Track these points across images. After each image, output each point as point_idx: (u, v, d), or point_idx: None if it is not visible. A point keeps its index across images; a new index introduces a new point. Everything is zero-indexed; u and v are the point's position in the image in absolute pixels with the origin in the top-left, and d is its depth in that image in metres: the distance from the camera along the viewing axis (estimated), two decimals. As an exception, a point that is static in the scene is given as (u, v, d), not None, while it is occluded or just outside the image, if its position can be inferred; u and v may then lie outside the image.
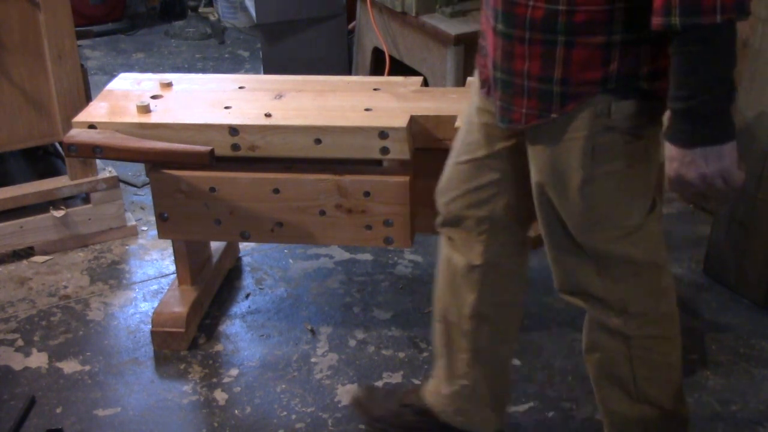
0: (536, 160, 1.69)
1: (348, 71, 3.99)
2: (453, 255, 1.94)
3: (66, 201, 3.09)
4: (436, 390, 2.11)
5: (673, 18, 1.38)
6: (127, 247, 3.09)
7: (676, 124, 1.45)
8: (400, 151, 2.29)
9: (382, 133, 2.27)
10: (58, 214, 3.03)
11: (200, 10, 5.48)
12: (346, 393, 2.38)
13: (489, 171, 1.83)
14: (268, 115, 2.38)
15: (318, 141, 2.31)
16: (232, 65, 4.83)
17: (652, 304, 1.80)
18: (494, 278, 1.94)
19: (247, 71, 4.67)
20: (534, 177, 1.72)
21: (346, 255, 2.99)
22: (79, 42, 3.07)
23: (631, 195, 1.68)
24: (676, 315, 1.86)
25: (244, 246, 3.03)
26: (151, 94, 2.53)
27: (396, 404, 2.20)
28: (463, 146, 1.87)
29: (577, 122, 1.59)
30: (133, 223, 3.18)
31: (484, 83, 1.74)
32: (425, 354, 2.51)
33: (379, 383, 2.41)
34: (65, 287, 2.89)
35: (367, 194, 2.36)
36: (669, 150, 1.48)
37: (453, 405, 2.08)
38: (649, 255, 1.76)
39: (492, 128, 1.78)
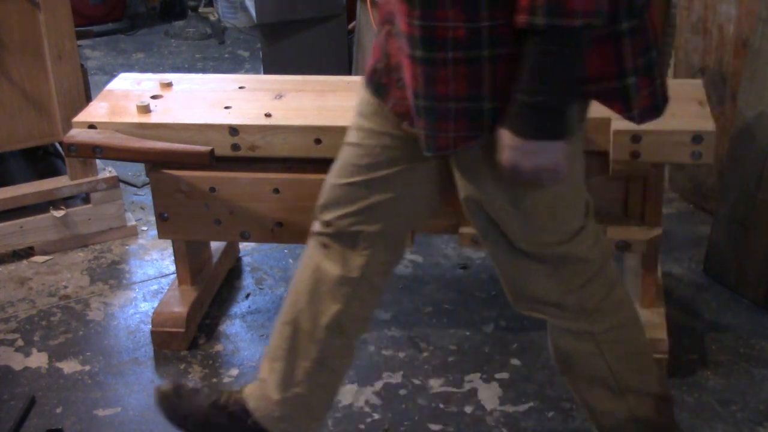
0: (469, 176, 1.68)
1: (348, 71, 3.98)
2: (324, 263, 1.89)
3: (66, 201, 3.09)
4: (262, 394, 2.00)
5: (537, 18, 1.42)
6: (127, 247, 3.09)
7: (521, 115, 1.49)
8: (400, 151, 2.28)
9: (382, 133, 2.27)
10: (58, 214, 3.03)
11: (200, 10, 5.48)
12: (346, 393, 2.38)
13: (385, 191, 1.80)
14: (268, 115, 2.38)
15: (318, 141, 2.31)
16: (232, 65, 4.83)
17: (606, 296, 1.81)
18: (364, 294, 1.91)
19: (247, 71, 4.67)
20: (467, 193, 1.71)
21: (346, 255, 2.99)
22: (79, 42, 3.07)
23: (570, 197, 1.71)
24: (628, 300, 1.88)
25: (244, 246, 3.02)
26: (151, 94, 2.53)
27: (206, 404, 2.05)
28: (353, 166, 1.82)
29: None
30: (133, 223, 3.18)
31: (405, 115, 1.68)
32: (425, 354, 2.51)
33: (379, 383, 2.41)
34: (65, 287, 2.89)
35: (367, 194, 2.36)
36: (509, 139, 1.52)
37: (280, 411, 1.98)
38: (594, 251, 1.78)
39: (392, 150, 1.76)
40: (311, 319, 1.92)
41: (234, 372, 2.48)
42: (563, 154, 1.53)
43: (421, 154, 1.66)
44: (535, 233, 1.72)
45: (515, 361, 2.47)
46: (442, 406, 2.33)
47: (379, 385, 2.41)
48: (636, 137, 2.19)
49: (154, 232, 2.84)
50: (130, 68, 4.69)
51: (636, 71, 1.58)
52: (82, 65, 3.00)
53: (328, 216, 1.87)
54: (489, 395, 2.35)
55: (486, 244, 1.80)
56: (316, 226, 1.90)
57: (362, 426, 2.28)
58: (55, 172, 3.15)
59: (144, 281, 2.91)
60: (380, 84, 1.72)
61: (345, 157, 1.85)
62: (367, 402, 2.36)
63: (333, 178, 1.87)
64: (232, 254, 2.95)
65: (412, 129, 1.66)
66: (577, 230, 1.75)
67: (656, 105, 1.67)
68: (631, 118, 1.64)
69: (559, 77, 1.47)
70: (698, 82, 2.50)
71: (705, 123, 2.22)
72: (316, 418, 2.06)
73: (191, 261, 2.64)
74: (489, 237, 1.77)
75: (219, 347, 2.58)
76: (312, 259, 1.92)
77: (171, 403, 2.08)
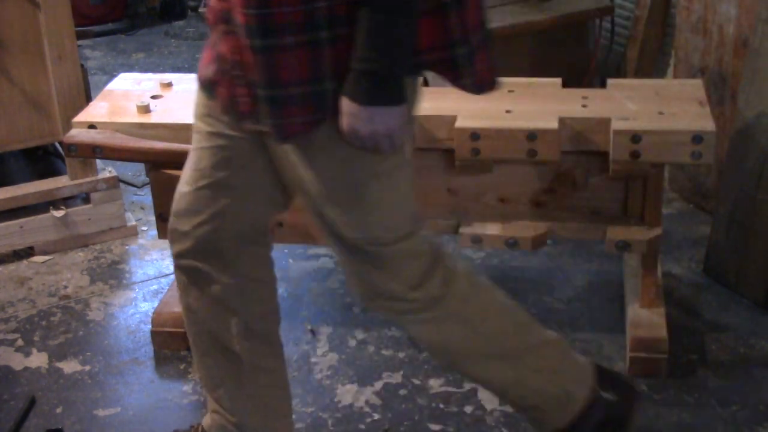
0: (307, 168, 1.66)
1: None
2: (200, 287, 1.88)
3: (66, 201, 3.09)
4: (221, 423, 2.01)
5: None
6: (127, 247, 3.09)
7: (358, 83, 1.52)
8: (400, 151, 2.28)
9: (382, 133, 2.27)
10: (58, 214, 3.03)
11: (200, 10, 5.48)
12: (346, 393, 2.38)
13: (230, 191, 1.80)
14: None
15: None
16: (232, 65, 4.82)
17: (443, 278, 1.81)
18: (254, 293, 1.92)
19: (247, 71, 4.67)
20: (305, 184, 1.69)
21: (346, 255, 2.99)
22: (79, 42, 3.07)
23: (404, 194, 1.74)
24: (460, 271, 1.86)
25: (244, 246, 3.02)
26: (151, 94, 2.53)
27: None
28: (197, 172, 1.81)
29: None
30: (133, 223, 3.18)
31: (247, 114, 1.66)
32: (425, 354, 2.51)
33: (379, 383, 2.41)
34: (65, 287, 2.89)
35: (367, 194, 2.36)
36: (347, 106, 1.54)
37: (245, 428, 2.01)
38: (425, 246, 1.80)
39: (228, 149, 1.76)
40: (221, 339, 1.92)
41: (234, 372, 2.48)
42: (399, 120, 1.57)
43: (256, 149, 1.70)
44: (372, 232, 1.72)
45: (515, 361, 2.47)
46: (442, 406, 2.33)
47: (379, 385, 2.42)
48: (636, 137, 2.19)
49: (154, 232, 2.84)
50: (130, 68, 4.69)
51: (466, 42, 1.61)
52: (82, 65, 3.00)
53: (185, 226, 1.84)
54: (489, 395, 2.35)
55: (332, 245, 1.78)
56: (182, 248, 1.86)
57: (362, 426, 2.28)
58: (55, 172, 3.15)
59: (144, 281, 2.91)
60: (212, 85, 1.72)
61: (189, 162, 1.84)
62: (367, 402, 2.36)
63: (182, 185, 1.85)
64: (232, 254, 2.94)
65: (257, 126, 1.65)
66: (409, 232, 1.76)
67: (494, 78, 1.71)
68: (463, 87, 1.67)
69: (390, 44, 1.50)
70: (698, 82, 2.50)
71: (705, 123, 2.22)
72: (283, 416, 2.06)
73: (191, 261, 2.63)
74: (335, 239, 1.75)
75: (219, 347, 2.58)
76: (189, 291, 1.90)
77: None
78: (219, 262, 1.86)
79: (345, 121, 1.56)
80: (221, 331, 1.92)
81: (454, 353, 1.90)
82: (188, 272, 1.89)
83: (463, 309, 1.85)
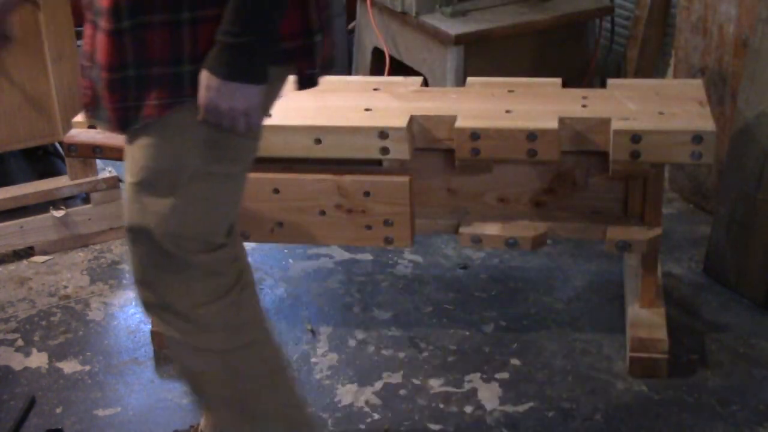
0: (144, 149, 1.63)
1: (348, 71, 3.99)
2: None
3: (66, 201, 3.09)
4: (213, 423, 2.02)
5: None
6: (127, 247, 3.09)
7: (222, 56, 1.52)
8: (400, 151, 2.29)
9: (382, 133, 2.27)
10: (58, 214, 3.03)
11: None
12: (346, 393, 2.38)
13: None
14: (268, 115, 2.37)
15: (318, 141, 2.31)
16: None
17: (235, 315, 1.77)
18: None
19: (247, 71, 4.67)
20: (135, 168, 1.65)
21: (346, 255, 2.99)
22: (79, 42, 3.06)
23: (226, 202, 1.70)
24: (258, 320, 1.83)
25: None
26: (151, 94, 2.52)
27: None
28: None
29: (189, 114, 1.59)
30: (133, 223, 3.17)
31: (89, 106, 1.67)
32: (425, 354, 2.51)
33: (379, 383, 2.41)
34: (65, 287, 2.89)
35: (367, 194, 2.36)
36: (208, 79, 1.53)
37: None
38: (230, 269, 1.75)
39: None
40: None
41: (234, 372, 2.48)
42: (258, 99, 1.57)
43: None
44: (183, 230, 1.67)
45: (515, 361, 2.47)
46: (442, 406, 2.33)
47: (379, 385, 2.42)
48: (636, 137, 2.19)
49: (154, 232, 2.83)
50: (130, 68, 4.68)
51: (321, 29, 1.64)
52: (82, 65, 3.00)
53: None
54: (489, 395, 2.35)
55: (130, 239, 1.72)
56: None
57: (362, 426, 2.28)
58: (55, 172, 3.15)
59: (144, 281, 2.91)
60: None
61: None
62: (367, 402, 2.36)
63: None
64: (232, 254, 2.94)
65: (97, 117, 1.65)
66: (219, 244, 1.72)
67: (332, 57, 1.73)
68: (312, 75, 1.69)
69: (256, 20, 1.50)
70: (698, 82, 2.50)
71: (705, 123, 2.22)
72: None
73: (191, 261, 2.63)
74: (136, 230, 1.70)
75: (219, 347, 2.58)
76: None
77: None
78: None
79: (203, 95, 1.55)
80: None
81: (207, 392, 1.86)
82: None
83: (234, 354, 1.79)
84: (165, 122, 1.59)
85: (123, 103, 1.58)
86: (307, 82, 1.70)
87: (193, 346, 1.79)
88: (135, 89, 1.57)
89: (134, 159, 1.65)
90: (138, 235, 1.69)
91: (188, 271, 1.71)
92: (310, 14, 1.62)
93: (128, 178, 1.67)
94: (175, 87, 1.57)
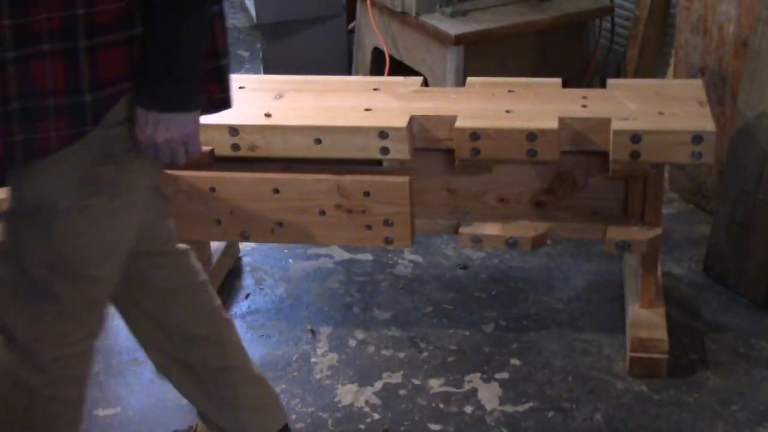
0: (24, 184, 1.59)
1: (348, 71, 3.99)
2: (134, 310, 1.93)
3: (66, 201, 3.08)
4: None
5: None
6: None
7: (154, 89, 1.53)
8: (400, 151, 2.29)
9: (382, 133, 2.27)
10: (58, 214, 3.03)
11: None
12: (346, 393, 2.38)
13: None
14: (268, 115, 2.38)
15: (318, 141, 2.31)
16: (232, 65, 4.80)
17: (71, 367, 1.75)
18: (171, 299, 1.93)
19: (247, 71, 4.67)
20: (13, 203, 1.62)
21: (346, 255, 2.99)
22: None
23: (111, 235, 1.64)
24: (85, 354, 1.77)
25: (244, 246, 3.02)
26: (151, 94, 2.52)
27: None
28: None
29: (109, 132, 1.55)
30: (133, 223, 3.17)
31: None
32: (425, 354, 2.51)
33: (379, 383, 2.41)
34: (65, 287, 2.88)
35: (367, 194, 2.36)
36: (142, 115, 1.54)
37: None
38: (93, 314, 1.71)
39: None
40: (168, 353, 1.98)
41: (234, 372, 2.48)
42: (195, 126, 1.60)
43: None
44: (55, 262, 1.61)
45: (515, 361, 2.47)
46: (442, 406, 2.33)
47: (379, 385, 2.42)
48: (636, 137, 2.19)
49: (154, 232, 2.83)
50: (130, 68, 4.68)
51: (227, 53, 1.65)
52: None
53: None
54: (489, 395, 2.35)
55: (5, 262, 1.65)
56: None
57: (362, 426, 2.28)
58: (55, 172, 3.14)
59: (144, 281, 2.91)
60: None
61: None
62: (367, 402, 2.36)
63: None
64: (232, 254, 2.95)
65: None
66: (94, 278, 1.65)
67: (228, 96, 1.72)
68: (224, 100, 1.68)
69: (186, 53, 1.52)
70: (698, 82, 2.50)
71: (705, 123, 2.22)
72: (264, 408, 2.06)
73: (191, 261, 2.64)
74: (4, 256, 1.65)
75: (219, 347, 2.58)
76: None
77: None
78: (125, 285, 1.81)
79: (140, 131, 1.55)
80: (164, 345, 1.95)
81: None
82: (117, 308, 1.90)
83: (53, 389, 1.74)
84: (52, 155, 1.53)
85: (7, 137, 1.50)
86: (218, 105, 1.69)
87: (16, 374, 1.70)
88: (20, 122, 1.50)
89: (14, 187, 1.61)
90: (6, 257, 1.64)
91: (45, 305, 1.64)
92: (217, 38, 1.62)
93: (8, 204, 1.63)
94: (75, 117, 1.51)
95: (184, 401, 2.36)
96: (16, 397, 1.72)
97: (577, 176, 2.37)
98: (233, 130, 2.34)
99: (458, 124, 2.27)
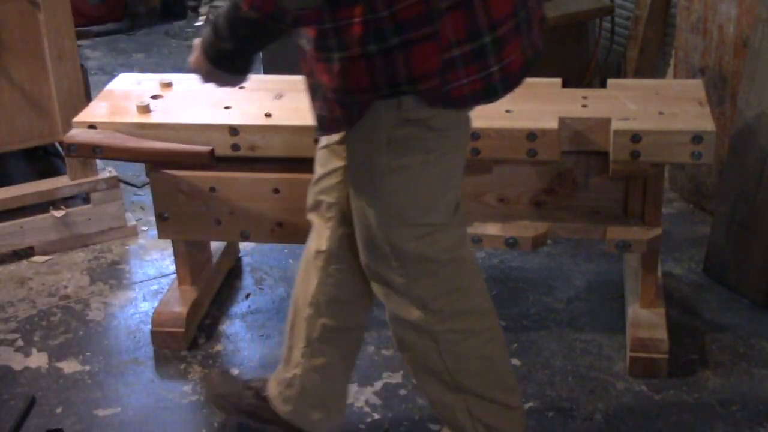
0: (346, 155, 1.81)
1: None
2: (310, 239, 2.00)
3: (66, 201, 3.09)
4: (276, 375, 2.12)
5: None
6: (127, 247, 3.09)
7: (211, 45, 1.70)
8: (400, 151, 2.29)
9: (382, 133, 2.27)
10: (58, 214, 3.03)
11: (200, 10, 5.48)
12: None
13: (337, 157, 1.91)
14: (268, 115, 2.38)
15: (318, 141, 2.31)
16: (232, 65, 4.82)
17: (454, 301, 1.85)
18: (335, 269, 1.98)
19: (247, 71, 4.67)
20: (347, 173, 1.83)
21: (346, 255, 2.99)
22: (79, 42, 3.07)
23: (430, 191, 1.76)
24: (486, 310, 1.92)
25: (244, 246, 3.02)
26: (151, 94, 2.53)
27: (241, 385, 2.19)
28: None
29: (373, 120, 1.68)
30: (133, 223, 3.18)
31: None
32: (425, 354, 2.51)
33: (379, 383, 2.41)
34: (65, 287, 2.89)
35: (367, 194, 2.36)
36: (198, 50, 1.73)
37: (284, 392, 2.09)
38: (450, 254, 1.82)
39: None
40: (302, 297, 2.01)
41: (234, 372, 2.47)
42: (227, 83, 1.75)
43: None
44: (390, 220, 1.77)
45: (515, 361, 2.47)
46: (442, 406, 2.33)
47: (379, 385, 2.41)
48: (636, 137, 2.19)
49: (154, 232, 2.83)
50: (130, 68, 4.68)
51: (493, 30, 1.68)
52: (82, 65, 3.00)
53: (311, 183, 2.00)
54: (489, 395, 2.35)
55: (355, 225, 1.85)
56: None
57: (362, 426, 2.28)
58: (55, 172, 3.15)
59: (144, 281, 2.91)
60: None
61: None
62: (367, 402, 2.36)
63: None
64: (232, 254, 2.95)
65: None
66: (436, 226, 1.79)
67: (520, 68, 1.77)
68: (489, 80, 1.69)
69: (231, 32, 1.65)
70: (698, 82, 2.50)
71: (705, 123, 2.22)
72: (315, 407, 2.09)
73: (191, 261, 2.64)
74: (357, 220, 1.83)
75: (219, 347, 2.58)
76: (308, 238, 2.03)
77: (212, 383, 2.24)
78: (319, 223, 1.98)
79: (192, 59, 1.74)
80: (302, 291, 2.02)
81: (415, 361, 1.95)
82: (310, 225, 2.01)
83: (445, 336, 1.88)
84: (360, 124, 1.70)
85: (318, 110, 1.75)
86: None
87: (405, 320, 1.88)
88: (320, 102, 1.75)
89: (347, 151, 1.82)
90: (356, 215, 1.83)
91: (399, 257, 1.80)
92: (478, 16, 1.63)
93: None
94: (345, 109, 1.70)
95: (185, 401, 2.36)
96: (424, 340, 1.88)
97: (577, 176, 2.37)
98: (233, 130, 2.34)
99: None
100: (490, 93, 1.67)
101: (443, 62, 1.60)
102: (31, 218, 3.01)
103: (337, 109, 1.70)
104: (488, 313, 1.93)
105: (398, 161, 1.71)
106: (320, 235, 1.97)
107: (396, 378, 2.43)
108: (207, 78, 1.73)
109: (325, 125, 1.77)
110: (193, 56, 1.72)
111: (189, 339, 2.58)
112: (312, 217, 2.00)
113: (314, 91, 1.74)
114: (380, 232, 1.78)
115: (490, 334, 1.93)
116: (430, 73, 1.61)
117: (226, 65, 1.70)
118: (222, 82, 1.74)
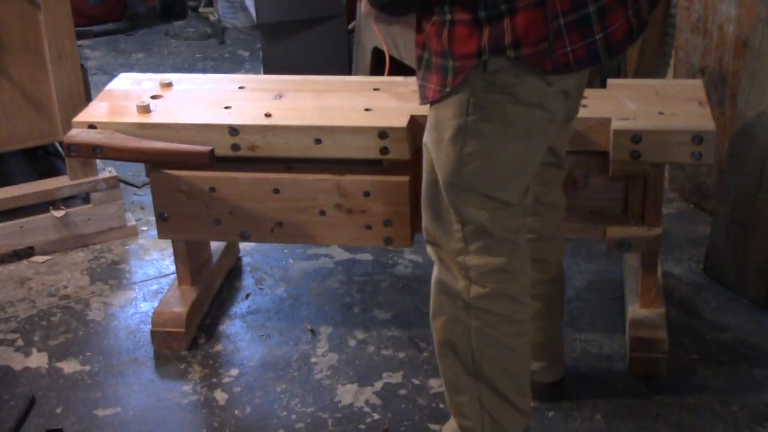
0: (429, 114, 1.83)
1: (348, 71, 3.98)
2: None
3: (66, 201, 3.09)
4: None
5: None
6: (127, 247, 3.09)
7: None
8: (400, 151, 2.29)
9: (382, 133, 2.27)
10: (58, 214, 3.03)
11: (200, 10, 5.48)
12: (346, 393, 2.38)
13: None
14: (268, 115, 2.38)
15: (318, 141, 2.31)
16: (232, 65, 4.83)
17: (500, 282, 1.86)
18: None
19: (247, 71, 4.67)
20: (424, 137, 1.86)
21: (346, 255, 2.99)
22: (79, 42, 3.07)
23: (506, 165, 1.78)
24: (526, 303, 1.93)
25: (244, 246, 3.03)
26: (151, 94, 2.53)
27: None
28: None
29: (464, 83, 1.72)
30: (133, 223, 3.18)
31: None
32: (425, 354, 2.51)
33: (379, 383, 2.41)
34: (65, 287, 2.89)
35: (367, 194, 2.36)
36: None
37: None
38: (509, 235, 1.85)
39: None
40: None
41: (234, 372, 2.48)
42: (377, 17, 1.83)
43: None
44: (462, 181, 1.80)
45: (515, 361, 2.47)
46: (442, 406, 2.33)
47: (379, 385, 2.42)
48: (636, 137, 2.19)
49: (154, 232, 2.84)
50: (130, 68, 4.68)
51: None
52: (82, 65, 3.00)
53: None
54: (489, 395, 2.35)
55: (423, 186, 1.90)
56: None
57: (362, 426, 2.28)
58: (55, 172, 3.15)
59: (144, 281, 2.91)
60: None
61: None
62: (367, 402, 2.36)
63: None
64: (232, 254, 2.95)
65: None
66: (504, 204, 1.82)
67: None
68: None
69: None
70: (698, 82, 2.50)
71: (705, 123, 2.22)
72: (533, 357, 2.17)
73: (191, 261, 2.64)
74: (425, 181, 1.89)
75: (219, 347, 2.58)
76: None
77: None
78: None
79: (363, 8, 1.85)
80: None
81: (443, 342, 1.95)
82: None
83: (478, 312, 1.88)
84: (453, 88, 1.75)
85: (420, 80, 1.80)
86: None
87: (447, 285, 1.90)
88: (422, 71, 1.80)
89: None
90: (426, 178, 1.88)
91: (460, 222, 1.83)
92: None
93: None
94: (443, 76, 1.74)
95: (185, 401, 2.37)
96: (459, 312, 1.90)
97: (577, 176, 2.37)
98: (233, 130, 2.34)
99: None
100: (594, 59, 1.72)
101: (549, 31, 1.66)
102: (31, 218, 3.01)
103: (435, 76, 1.74)
104: (527, 306, 1.94)
105: (478, 125, 1.74)
106: None
107: (396, 378, 2.43)
108: (377, 22, 1.85)
109: (425, 93, 1.79)
110: (363, 5, 1.84)
111: (189, 339, 2.58)
112: None
113: (419, 61, 1.78)
114: (449, 195, 1.82)
115: (524, 328, 1.94)
116: (536, 39, 1.66)
117: (389, 8, 1.77)
118: (389, 23, 1.84)
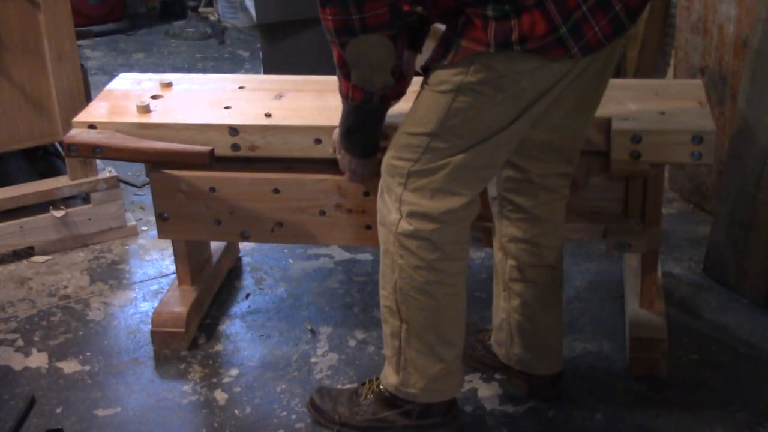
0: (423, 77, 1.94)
1: (348, 71, 3.98)
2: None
3: (66, 201, 3.09)
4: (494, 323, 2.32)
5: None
6: (127, 247, 3.09)
7: (344, 138, 2.09)
8: (400, 151, 2.28)
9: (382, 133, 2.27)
10: (58, 214, 3.03)
11: (200, 10, 5.48)
12: (346, 393, 2.38)
13: None
14: (268, 115, 2.38)
15: (318, 141, 2.31)
16: (232, 65, 4.83)
17: (426, 226, 1.93)
18: (509, 210, 2.21)
19: (247, 71, 4.67)
20: None
21: (346, 255, 2.99)
22: (79, 42, 3.07)
23: (487, 124, 1.87)
24: (456, 260, 2.00)
25: (244, 246, 3.03)
26: (151, 94, 2.53)
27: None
28: None
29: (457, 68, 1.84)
30: (133, 223, 3.18)
31: None
32: (425, 354, 2.51)
33: (379, 383, 2.41)
34: (65, 287, 2.89)
35: (367, 194, 2.36)
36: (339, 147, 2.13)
37: (496, 337, 2.30)
38: (453, 187, 1.92)
39: None
40: (495, 244, 2.33)
41: (234, 372, 2.48)
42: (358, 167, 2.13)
43: None
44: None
45: (515, 361, 2.47)
46: (442, 406, 2.33)
47: (379, 385, 2.41)
48: (636, 137, 2.19)
49: (154, 232, 2.84)
50: (130, 68, 4.69)
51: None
52: (82, 65, 3.00)
53: None
54: (489, 395, 2.35)
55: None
56: None
57: (362, 426, 2.28)
58: (55, 172, 3.15)
59: (144, 281, 2.91)
60: None
61: None
62: (367, 402, 2.36)
63: None
64: (232, 254, 2.95)
65: None
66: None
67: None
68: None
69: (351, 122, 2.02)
70: (698, 82, 2.50)
71: (705, 123, 2.22)
72: (524, 347, 2.28)
73: (191, 261, 2.64)
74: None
75: (219, 347, 2.58)
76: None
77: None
78: None
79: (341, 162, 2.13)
80: None
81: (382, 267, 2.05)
82: None
83: (402, 256, 1.97)
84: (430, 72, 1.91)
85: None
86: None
87: (387, 221, 2.00)
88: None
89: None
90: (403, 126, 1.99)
91: (434, 174, 1.93)
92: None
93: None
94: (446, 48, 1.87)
95: (185, 401, 2.37)
96: (390, 242, 1.99)
97: (577, 176, 2.37)
98: (233, 130, 2.34)
99: None
100: (620, 29, 1.86)
101: (575, 20, 1.78)
102: (31, 218, 3.01)
103: (440, 47, 1.86)
104: (456, 262, 2.00)
105: (474, 86, 1.83)
106: (490, 184, 2.14)
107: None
108: (352, 171, 2.13)
109: (429, 60, 1.90)
110: (339, 158, 2.13)
111: (189, 339, 2.58)
112: None
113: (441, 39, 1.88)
114: (421, 136, 1.90)
115: (448, 280, 2.00)
116: (542, 34, 1.77)
117: (359, 152, 2.06)
118: (363, 169, 2.12)
